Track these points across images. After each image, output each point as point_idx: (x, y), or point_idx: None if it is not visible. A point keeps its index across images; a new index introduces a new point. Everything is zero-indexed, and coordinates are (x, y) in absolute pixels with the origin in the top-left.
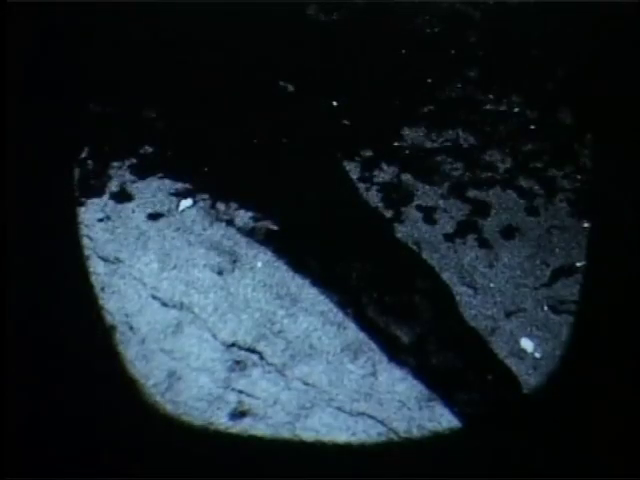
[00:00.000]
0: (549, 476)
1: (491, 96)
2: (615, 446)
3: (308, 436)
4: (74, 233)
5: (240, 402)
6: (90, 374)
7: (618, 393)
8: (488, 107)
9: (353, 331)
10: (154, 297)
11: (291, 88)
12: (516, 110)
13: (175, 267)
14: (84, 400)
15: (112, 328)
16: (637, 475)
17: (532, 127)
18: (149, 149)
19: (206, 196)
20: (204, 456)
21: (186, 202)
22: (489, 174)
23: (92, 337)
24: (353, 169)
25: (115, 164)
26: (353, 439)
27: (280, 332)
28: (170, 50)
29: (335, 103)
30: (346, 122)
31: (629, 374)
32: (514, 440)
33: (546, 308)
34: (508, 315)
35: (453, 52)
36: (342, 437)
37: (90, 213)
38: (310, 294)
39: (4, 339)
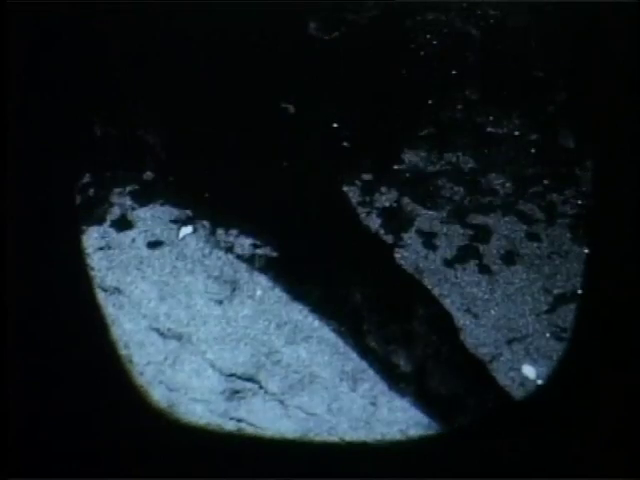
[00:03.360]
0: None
1: (491, 118)
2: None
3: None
4: (75, 263)
5: (239, 431)
6: (89, 404)
7: (621, 417)
8: (489, 130)
9: (353, 359)
10: (153, 328)
11: (292, 110)
12: (517, 133)
13: (174, 297)
14: (83, 427)
15: (112, 360)
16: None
17: (533, 151)
18: (150, 175)
19: (206, 223)
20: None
21: (186, 229)
22: (489, 199)
23: (91, 368)
24: (353, 193)
25: (116, 190)
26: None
27: (279, 361)
28: (169, 73)
29: (335, 125)
30: (346, 144)
31: (632, 398)
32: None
33: (548, 335)
34: (510, 342)
35: (454, 73)
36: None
37: (91, 241)
38: (310, 322)
39: (4, 366)
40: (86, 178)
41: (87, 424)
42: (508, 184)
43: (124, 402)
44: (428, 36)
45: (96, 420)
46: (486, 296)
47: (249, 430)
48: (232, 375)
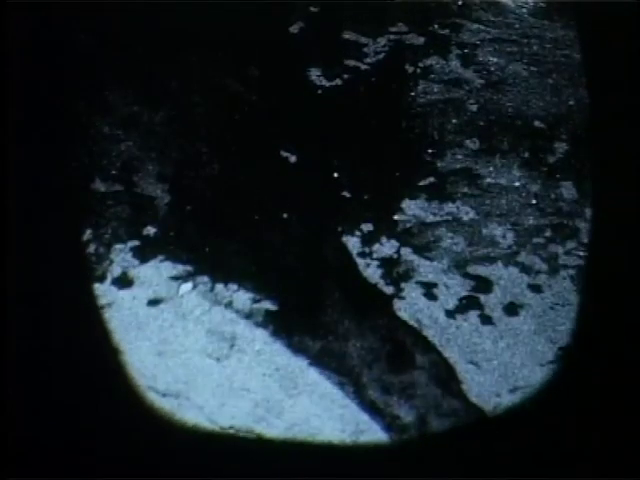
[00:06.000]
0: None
1: (492, 169)
2: None
3: None
4: (76, 323)
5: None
6: (89, 405)
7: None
8: (489, 180)
9: (354, 411)
10: (151, 388)
11: (293, 159)
12: (517, 184)
13: (173, 355)
14: (83, 427)
15: (112, 363)
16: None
17: (533, 202)
18: (151, 230)
19: (206, 278)
20: None
21: (186, 286)
22: (490, 249)
23: (91, 371)
24: (353, 244)
25: (117, 247)
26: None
27: (280, 414)
28: (169, 127)
29: (336, 175)
30: (347, 194)
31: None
32: None
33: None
34: (513, 391)
35: (454, 122)
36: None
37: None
38: (309, 375)
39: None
40: (87, 234)
41: (87, 425)
42: (509, 235)
43: (124, 403)
44: (429, 84)
45: (96, 421)
46: (488, 347)
47: None
48: (230, 428)
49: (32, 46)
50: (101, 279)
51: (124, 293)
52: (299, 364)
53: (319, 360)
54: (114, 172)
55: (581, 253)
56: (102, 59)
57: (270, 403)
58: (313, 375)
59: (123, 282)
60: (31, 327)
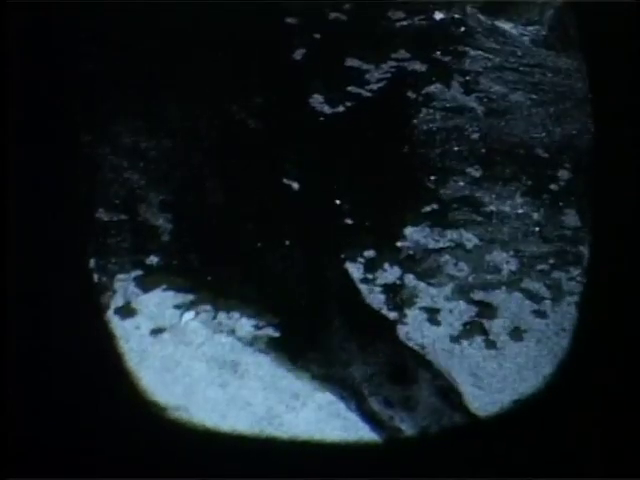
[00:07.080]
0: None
1: (494, 196)
2: None
3: None
4: (76, 323)
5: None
6: (89, 404)
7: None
8: (491, 208)
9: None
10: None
11: (295, 186)
12: (519, 212)
13: (175, 383)
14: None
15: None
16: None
17: (536, 229)
18: (154, 259)
19: (208, 307)
20: None
21: (189, 315)
22: (493, 276)
23: (91, 370)
24: (355, 270)
25: (120, 277)
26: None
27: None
28: (172, 155)
29: (338, 202)
30: (349, 221)
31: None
32: None
33: None
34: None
35: (456, 149)
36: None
37: None
38: (313, 400)
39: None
40: (91, 264)
41: (87, 424)
42: (512, 262)
43: (124, 403)
44: (430, 111)
45: (96, 420)
46: (492, 370)
47: None
48: None
49: (32, 46)
50: (104, 309)
51: (127, 323)
52: (302, 389)
53: (322, 385)
54: (117, 201)
55: (584, 280)
56: (102, 59)
57: (272, 424)
58: (316, 400)
59: (126, 312)
60: (31, 327)
